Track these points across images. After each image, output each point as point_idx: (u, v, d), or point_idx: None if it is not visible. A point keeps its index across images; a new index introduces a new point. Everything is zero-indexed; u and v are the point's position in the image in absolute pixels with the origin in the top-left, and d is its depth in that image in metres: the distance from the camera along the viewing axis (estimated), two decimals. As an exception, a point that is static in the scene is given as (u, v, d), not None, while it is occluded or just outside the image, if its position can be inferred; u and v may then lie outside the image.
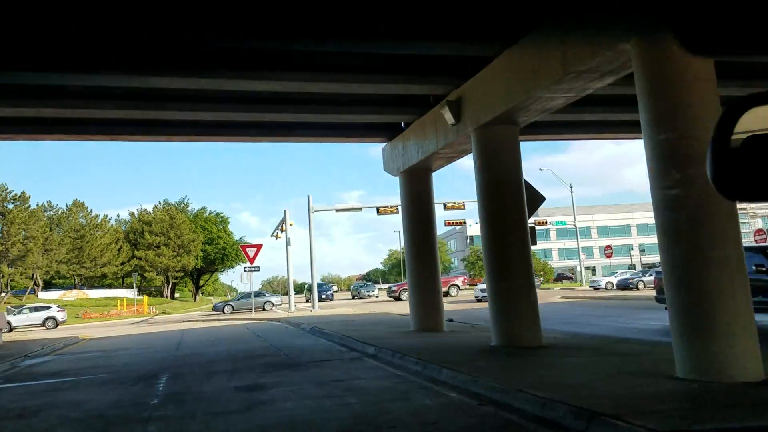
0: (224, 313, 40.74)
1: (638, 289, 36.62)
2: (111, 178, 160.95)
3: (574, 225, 54.72)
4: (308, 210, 33.01)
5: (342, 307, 38.48)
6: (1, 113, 12.45)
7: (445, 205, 38.26)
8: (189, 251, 68.43)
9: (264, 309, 42.61)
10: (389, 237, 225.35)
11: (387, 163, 17.56)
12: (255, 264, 34.75)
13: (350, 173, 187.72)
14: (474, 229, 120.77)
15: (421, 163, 15.44)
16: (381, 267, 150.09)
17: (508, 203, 11.70)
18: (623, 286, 39.13)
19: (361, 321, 21.16)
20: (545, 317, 12.58)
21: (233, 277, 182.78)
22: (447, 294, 40.59)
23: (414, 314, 16.05)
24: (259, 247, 34.80)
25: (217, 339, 18.77)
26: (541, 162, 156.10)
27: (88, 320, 47.38)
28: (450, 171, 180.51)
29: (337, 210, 34.06)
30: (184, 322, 34.06)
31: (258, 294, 51.21)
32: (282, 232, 37.57)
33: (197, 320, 34.13)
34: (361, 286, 54.01)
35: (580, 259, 57.06)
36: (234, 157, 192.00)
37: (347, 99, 13.84)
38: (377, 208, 34.17)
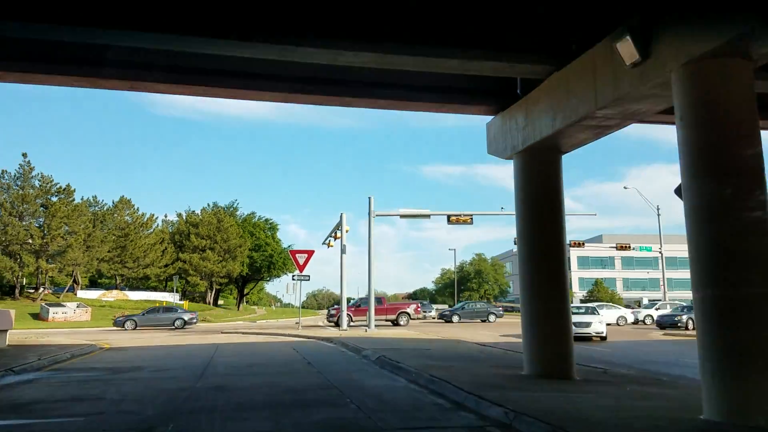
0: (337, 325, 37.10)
1: (687, 328, 28.53)
2: (162, 181, 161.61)
3: (660, 252, 48.60)
4: (369, 214, 28.76)
5: (398, 327, 33.89)
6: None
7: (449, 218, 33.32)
8: (235, 257, 65.37)
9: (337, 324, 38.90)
10: (435, 257, 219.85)
11: (495, 141, 13.05)
12: (305, 273, 30.65)
13: (402, 190, 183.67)
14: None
15: (553, 138, 10.88)
16: (428, 286, 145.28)
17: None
18: (665, 323, 31.11)
19: (438, 351, 16.55)
20: None
21: (278, 288, 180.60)
22: (396, 323, 36.02)
23: (530, 350, 11.36)
24: (310, 253, 30.71)
25: (256, 362, 14.50)
26: (595, 190, 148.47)
27: (123, 323, 44.26)
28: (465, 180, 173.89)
29: (401, 215, 29.70)
30: (222, 333, 30.21)
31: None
32: (335, 239, 33.45)
33: (237, 331, 30.20)
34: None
35: (664, 289, 50.73)
36: (286, 167, 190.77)
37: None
38: (448, 216, 29.63)
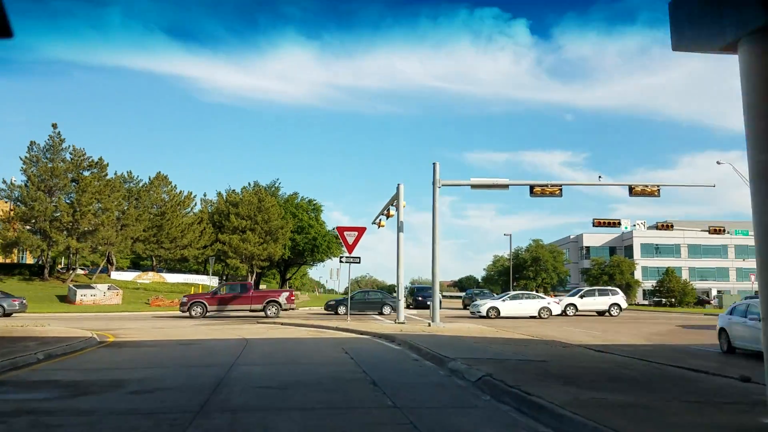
0: (337, 314, 33.57)
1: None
2: (203, 165, 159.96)
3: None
4: (433, 183, 23.58)
5: (463, 321, 28.74)
6: None
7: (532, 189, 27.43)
8: (276, 239, 61.23)
9: (381, 313, 34.31)
10: (478, 245, 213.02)
11: (695, 24, 7.62)
12: (354, 254, 25.79)
13: (445, 177, 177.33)
14: (590, 239, 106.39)
15: None
16: (476, 275, 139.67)
17: None
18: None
19: (558, 361, 11.33)
20: None
21: (322, 273, 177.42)
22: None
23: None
24: (360, 231, 25.81)
25: (292, 379, 9.58)
26: (648, 177, 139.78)
27: (155, 308, 40.55)
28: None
29: (473, 186, 24.36)
30: (258, 323, 25.69)
31: (374, 293, 42.56)
32: (388, 217, 28.43)
33: (275, 323, 25.61)
34: (477, 294, 43.85)
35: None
36: (328, 153, 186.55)
37: None
38: (531, 187, 24.18)
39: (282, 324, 24.64)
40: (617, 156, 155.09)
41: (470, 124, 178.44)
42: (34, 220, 45.85)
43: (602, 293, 37.23)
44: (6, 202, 46.52)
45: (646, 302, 77.76)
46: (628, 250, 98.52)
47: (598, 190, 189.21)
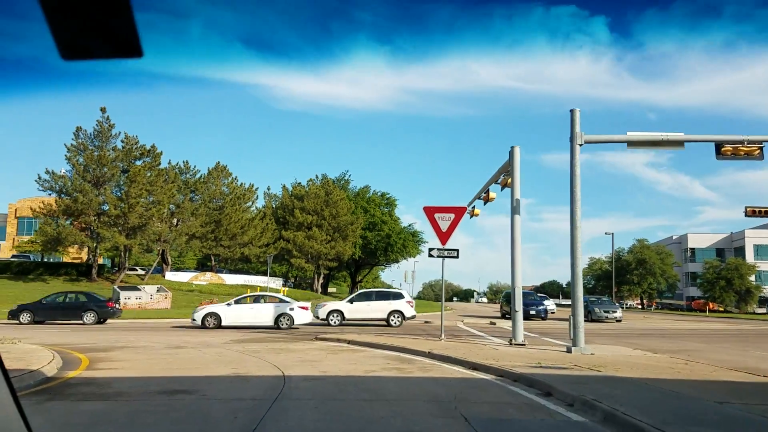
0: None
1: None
2: (272, 171, 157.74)
3: None
4: (571, 139, 15.84)
5: (604, 338, 20.61)
6: None
7: None
8: (346, 236, 54.76)
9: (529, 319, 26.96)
10: (554, 249, 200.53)
11: None
12: (449, 245, 18.34)
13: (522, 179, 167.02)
14: (696, 239, 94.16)
15: None
16: (558, 279, 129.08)
17: None
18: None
19: None
20: None
21: (394, 276, 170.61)
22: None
23: None
24: (458, 212, 18.40)
25: None
26: (734, 179, 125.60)
27: (204, 314, 34.51)
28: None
29: (629, 143, 16.33)
30: (317, 338, 18.76)
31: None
32: (485, 202, 20.86)
33: (343, 335, 18.49)
34: (594, 303, 35.43)
35: None
36: (399, 156, 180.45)
37: None
38: (718, 145, 15.83)
39: (348, 342, 17.53)
40: (702, 155, 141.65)
41: (547, 125, 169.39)
42: (78, 214, 41.19)
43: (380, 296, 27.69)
44: (50, 195, 42.27)
45: (763, 310, 66.25)
46: (739, 252, 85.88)
47: (682, 191, 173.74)
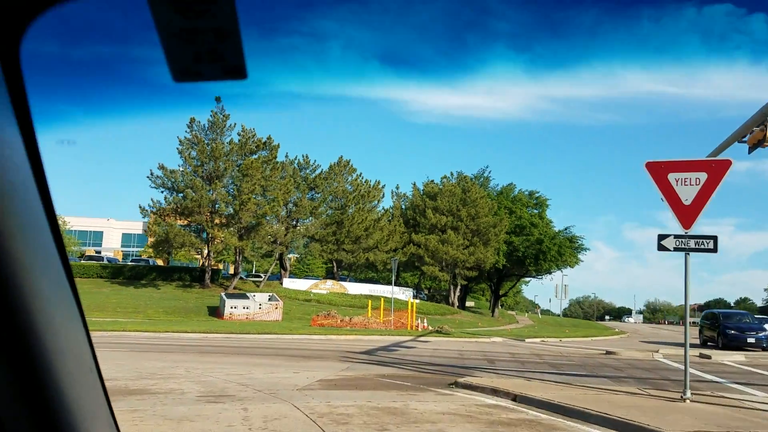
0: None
1: None
2: (401, 165, 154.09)
3: None
4: None
5: None
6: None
7: None
8: (487, 240, 46.90)
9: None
10: (716, 265, 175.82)
11: None
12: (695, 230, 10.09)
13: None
14: None
15: None
16: (726, 298, 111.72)
17: None
18: None
19: None
20: None
21: (537, 291, 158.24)
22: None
23: None
24: (718, 168, 10.10)
25: None
26: None
27: (316, 329, 28.48)
28: None
29: None
30: (456, 385, 11.37)
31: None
32: (752, 149, 12.12)
33: (495, 397, 10.88)
34: None
35: None
36: (541, 165, 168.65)
37: None
38: None
39: (515, 399, 9.87)
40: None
41: (701, 130, 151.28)
42: (188, 212, 37.41)
43: None
44: (161, 192, 39.11)
45: None
46: None
47: None
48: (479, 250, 46.26)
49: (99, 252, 67.90)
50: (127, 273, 42.04)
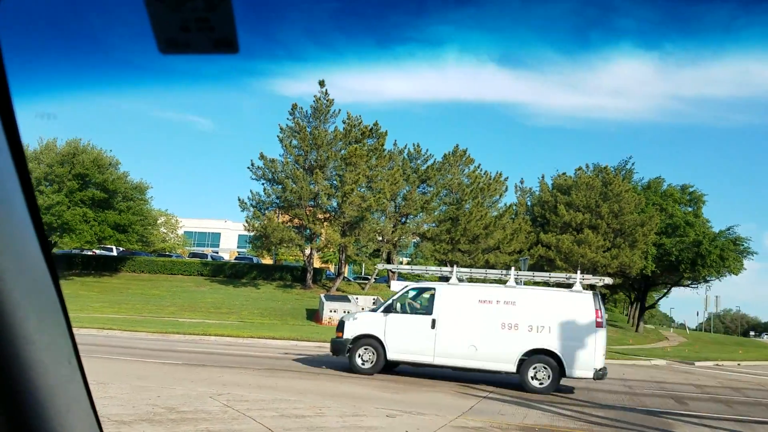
0: None
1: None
2: (520, 169, 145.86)
3: None
4: None
5: None
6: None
7: None
8: (633, 242, 40.07)
9: None
10: None
11: None
12: None
13: None
14: None
15: None
16: None
17: None
18: None
19: None
20: None
21: (673, 303, 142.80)
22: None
23: None
24: None
25: None
26: None
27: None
28: None
29: None
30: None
31: None
32: None
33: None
34: None
35: None
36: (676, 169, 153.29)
37: None
38: None
39: None
40: None
41: None
42: (288, 206, 34.36)
43: None
44: (261, 184, 36.40)
45: None
46: None
47: None
48: (624, 252, 39.44)
49: (216, 252, 67.94)
50: (227, 271, 39.98)
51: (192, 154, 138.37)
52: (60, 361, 0.99)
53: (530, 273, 16.25)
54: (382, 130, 37.48)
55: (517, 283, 13.10)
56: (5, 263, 0.81)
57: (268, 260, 51.13)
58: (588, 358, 11.43)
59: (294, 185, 34.38)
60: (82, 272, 40.31)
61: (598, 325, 11.53)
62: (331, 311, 28.67)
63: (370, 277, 44.50)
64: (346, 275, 43.31)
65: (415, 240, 39.18)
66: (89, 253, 45.65)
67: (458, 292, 12.58)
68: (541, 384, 11.57)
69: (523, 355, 11.76)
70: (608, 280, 15.23)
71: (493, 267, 41.66)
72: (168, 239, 59.16)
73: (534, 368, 11.70)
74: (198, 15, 0.76)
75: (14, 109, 0.82)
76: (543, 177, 46.65)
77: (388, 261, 40.02)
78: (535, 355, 11.73)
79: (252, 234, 36.47)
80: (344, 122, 37.83)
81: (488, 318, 11.98)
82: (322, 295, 30.60)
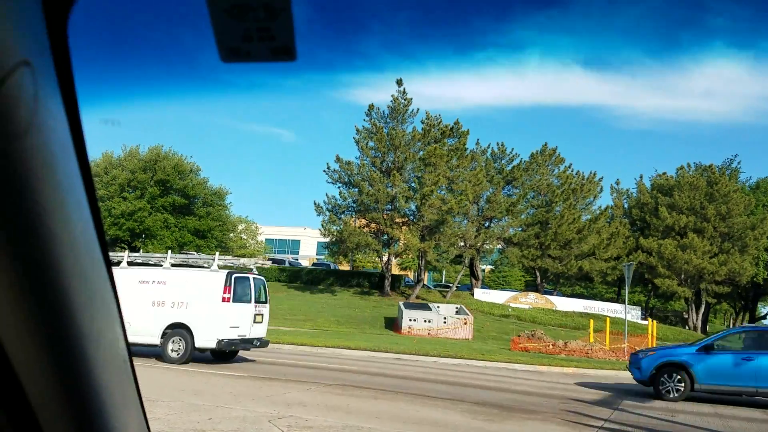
0: None
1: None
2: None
3: None
4: None
5: None
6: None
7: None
8: (744, 247, 36.19)
9: None
10: None
11: None
12: None
13: None
14: None
15: None
16: None
17: None
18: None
19: None
20: None
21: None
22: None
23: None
24: None
25: None
26: None
27: (517, 354, 21.72)
28: None
29: None
30: None
31: None
32: None
33: None
34: None
35: None
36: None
37: None
38: None
39: None
40: None
41: None
42: (365, 209, 33.16)
43: None
44: (337, 188, 35.37)
45: None
46: None
47: None
48: (733, 258, 35.61)
49: (296, 259, 68.07)
50: (304, 277, 39.22)
51: (273, 163, 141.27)
52: (117, 361, 1.01)
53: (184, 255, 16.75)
54: (464, 129, 35.64)
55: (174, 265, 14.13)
56: (72, 267, 0.82)
57: (345, 266, 50.27)
58: (213, 330, 12.69)
59: (370, 188, 33.14)
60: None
61: (225, 300, 12.84)
62: (410, 320, 27.06)
63: (451, 284, 42.63)
64: (425, 282, 41.63)
65: (499, 246, 36.95)
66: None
67: (122, 275, 13.37)
68: (177, 354, 12.84)
69: (165, 329, 12.96)
70: (248, 262, 16.23)
71: (587, 276, 38.79)
72: (248, 246, 59.61)
73: (172, 341, 12.91)
74: (260, 25, 0.77)
75: (81, 116, 0.83)
76: (641, 177, 43.28)
77: (471, 268, 37.96)
78: (175, 328, 12.96)
79: (328, 239, 35.45)
80: (423, 122, 36.29)
81: (143, 297, 13.06)
82: (401, 303, 29.04)
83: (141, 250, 39.31)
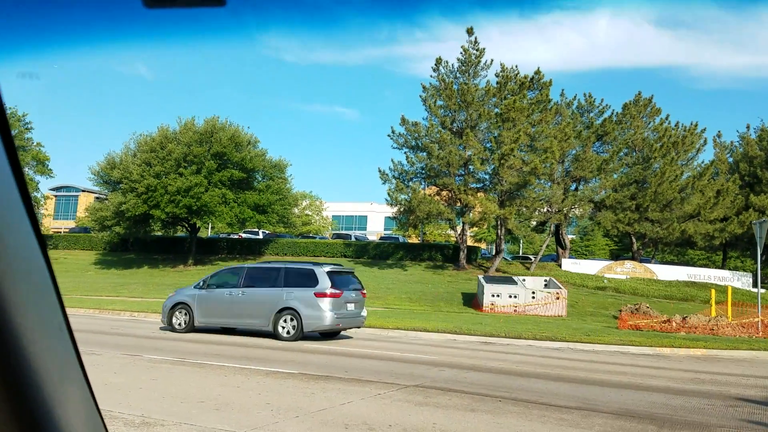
0: None
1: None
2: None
3: None
4: None
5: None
6: None
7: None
8: None
9: None
10: None
11: None
12: None
13: None
14: None
15: None
16: None
17: None
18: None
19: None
20: None
21: None
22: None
23: None
24: None
25: None
26: None
27: (627, 333, 18.27)
28: None
29: None
30: None
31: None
32: None
33: None
34: None
35: None
36: None
37: None
38: None
39: None
40: None
41: None
42: (435, 174, 30.08)
43: None
44: (404, 152, 32.38)
45: None
46: None
47: None
48: None
49: (363, 234, 66.13)
50: (371, 252, 36.67)
51: (338, 141, 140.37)
52: (51, 329, 0.97)
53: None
54: (545, 79, 31.74)
55: None
56: (4, 263, 0.81)
57: (414, 240, 47.49)
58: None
59: (440, 151, 29.97)
60: (227, 256, 39.26)
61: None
62: (493, 296, 23.97)
63: (530, 256, 39.00)
64: (504, 254, 38.27)
65: (589, 209, 33.04)
66: (235, 236, 44.91)
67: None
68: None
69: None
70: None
71: (689, 240, 34.36)
72: (313, 222, 57.77)
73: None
74: None
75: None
76: (748, 128, 38.01)
77: (557, 236, 34.26)
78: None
79: (396, 209, 32.63)
80: (497, 75, 32.63)
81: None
82: (480, 277, 25.92)
83: (200, 228, 37.77)
